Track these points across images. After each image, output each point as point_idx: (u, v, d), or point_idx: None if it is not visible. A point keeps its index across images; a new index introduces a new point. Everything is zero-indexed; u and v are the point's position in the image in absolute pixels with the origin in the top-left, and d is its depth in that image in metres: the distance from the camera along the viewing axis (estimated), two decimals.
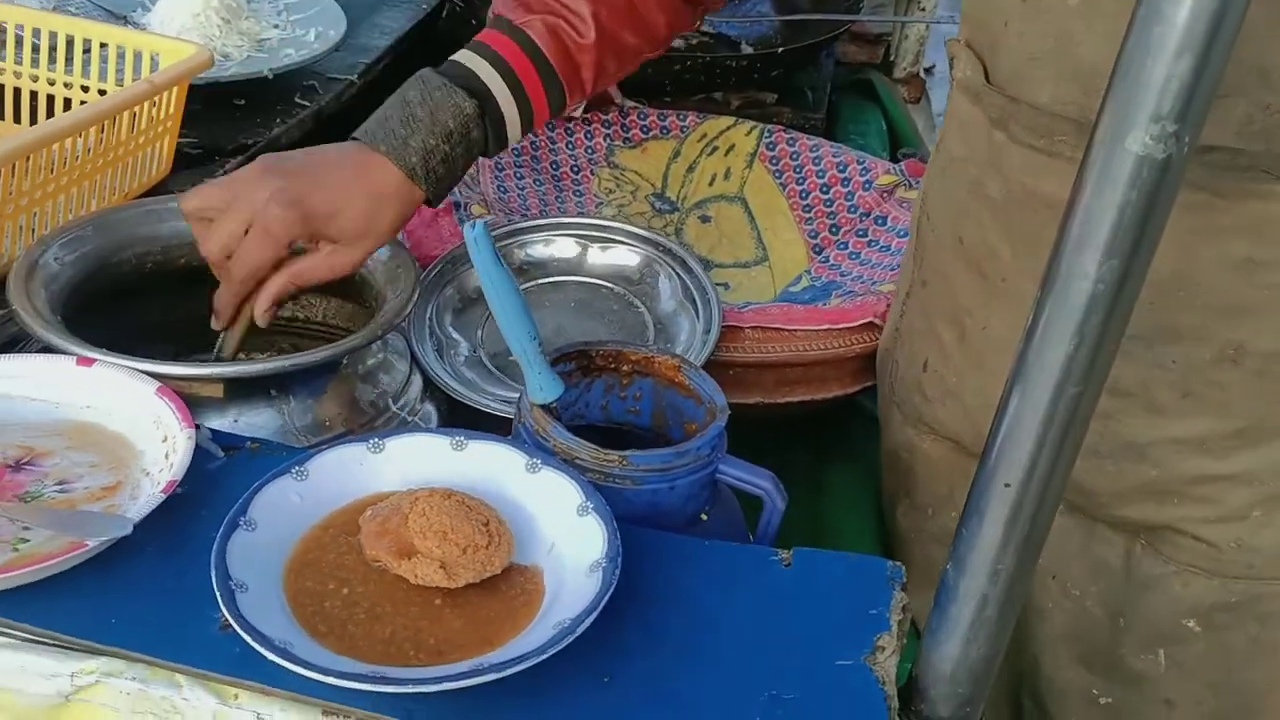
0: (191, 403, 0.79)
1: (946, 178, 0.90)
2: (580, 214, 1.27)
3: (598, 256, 1.09)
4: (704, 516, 0.76)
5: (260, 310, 0.85)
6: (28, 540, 0.65)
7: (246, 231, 0.81)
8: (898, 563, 0.69)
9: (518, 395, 0.92)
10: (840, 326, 1.04)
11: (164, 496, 0.66)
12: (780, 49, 1.48)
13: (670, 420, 0.83)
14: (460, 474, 0.71)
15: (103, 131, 0.92)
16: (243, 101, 1.24)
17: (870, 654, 0.63)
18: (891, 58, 1.93)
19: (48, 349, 0.79)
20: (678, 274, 1.05)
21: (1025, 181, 0.79)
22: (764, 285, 1.26)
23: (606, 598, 0.61)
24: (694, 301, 1.02)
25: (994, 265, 0.84)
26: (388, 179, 0.85)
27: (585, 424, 0.83)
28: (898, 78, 1.94)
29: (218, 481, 0.72)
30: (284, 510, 0.66)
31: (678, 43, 1.65)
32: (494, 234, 1.09)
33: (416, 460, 0.71)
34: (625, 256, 1.08)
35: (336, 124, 1.34)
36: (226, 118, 1.21)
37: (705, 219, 1.35)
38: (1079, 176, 0.50)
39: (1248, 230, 0.73)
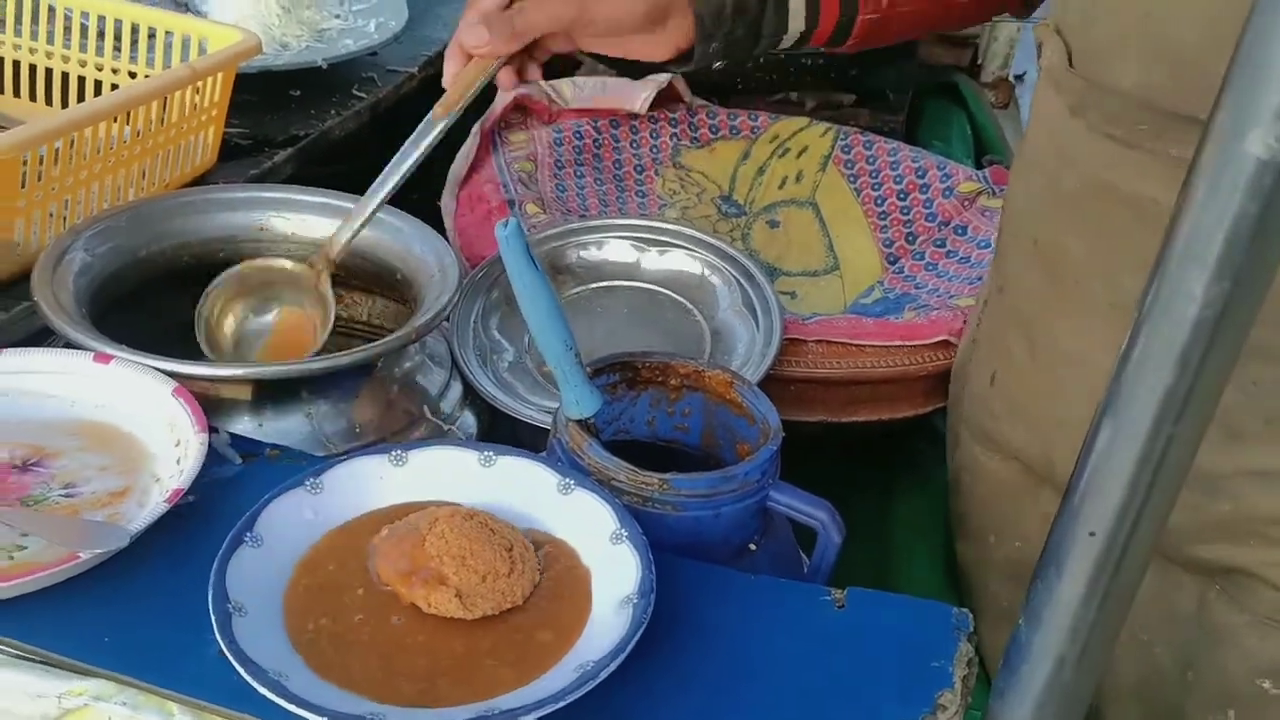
0: (218, 405, 0.75)
1: (1026, 175, 0.84)
2: (642, 217, 1.21)
3: (654, 261, 1.03)
4: (753, 547, 0.70)
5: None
6: (24, 548, 0.61)
7: None
8: (964, 609, 0.62)
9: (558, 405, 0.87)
10: (913, 343, 0.97)
11: (168, 507, 0.61)
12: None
13: (721, 440, 0.77)
14: (487, 492, 0.65)
15: (138, 117, 0.89)
16: (298, 92, 1.21)
17: (930, 714, 0.56)
18: (979, 60, 1.85)
19: (70, 344, 0.75)
20: (738, 281, 0.99)
21: (1101, 174, 0.73)
22: (834, 295, 1.19)
23: (635, 640, 0.55)
24: (754, 311, 0.96)
25: (1064, 266, 0.77)
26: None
27: (630, 440, 0.78)
28: (985, 82, 1.85)
29: (231, 490, 0.67)
30: (295, 526, 0.62)
31: None
32: (546, 234, 1.04)
33: (441, 475, 0.66)
34: (684, 262, 1.02)
35: (394, 117, 1.30)
36: (280, 108, 1.17)
37: (774, 224, 1.28)
38: (1187, 182, 0.43)
39: None
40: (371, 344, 0.78)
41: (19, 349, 0.73)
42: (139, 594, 0.61)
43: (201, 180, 1.02)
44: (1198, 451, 0.71)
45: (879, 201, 1.27)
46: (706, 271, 1.01)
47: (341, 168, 1.20)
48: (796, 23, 0.82)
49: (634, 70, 1.37)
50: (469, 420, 0.87)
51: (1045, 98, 0.79)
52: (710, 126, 1.35)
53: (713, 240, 1.02)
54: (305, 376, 0.77)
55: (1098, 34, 0.72)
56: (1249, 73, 0.40)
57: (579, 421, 0.68)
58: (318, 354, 1.00)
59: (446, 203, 1.15)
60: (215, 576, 0.57)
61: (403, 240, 0.91)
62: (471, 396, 0.88)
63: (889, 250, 1.23)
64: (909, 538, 1.02)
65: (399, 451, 0.66)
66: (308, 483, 0.64)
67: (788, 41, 0.84)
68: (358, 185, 1.00)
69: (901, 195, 1.27)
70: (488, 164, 1.21)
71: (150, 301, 0.87)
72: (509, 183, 1.18)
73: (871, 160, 1.30)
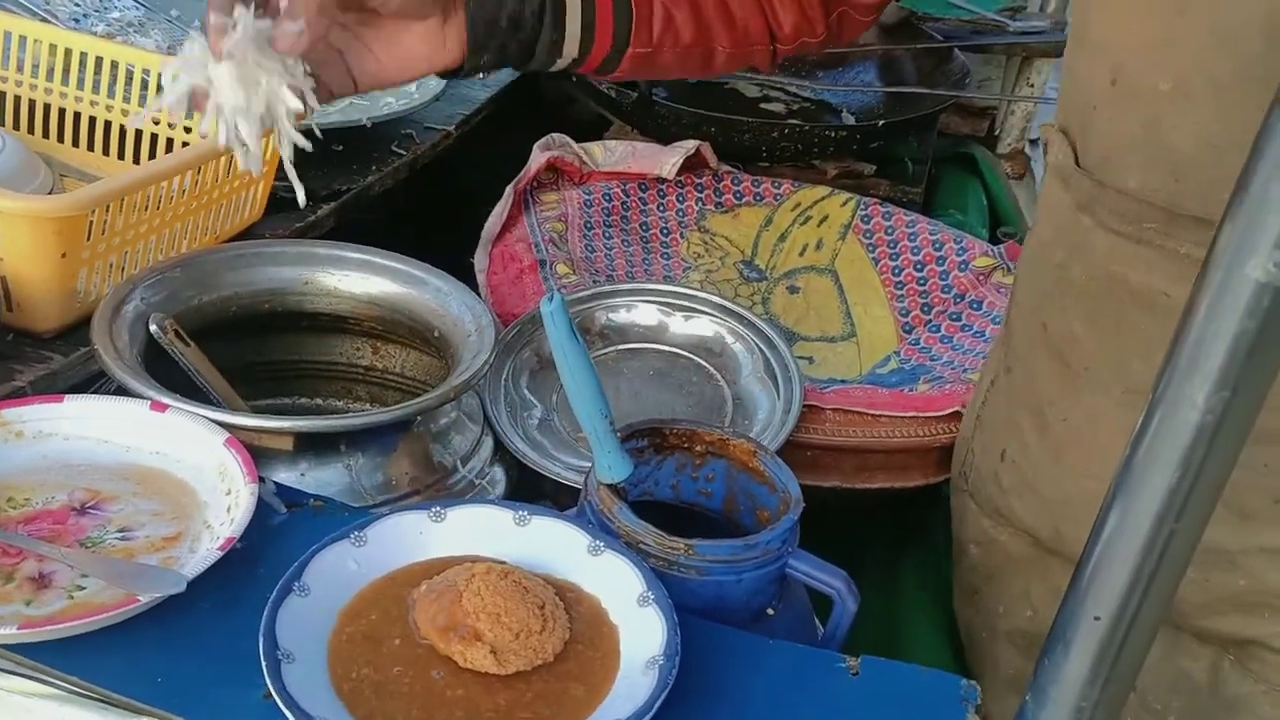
0: (261, 454, 0.79)
1: (1035, 262, 0.87)
2: (666, 278, 1.25)
3: (679, 325, 1.07)
4: (771, 611, 0.73)
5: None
6: (84, 588, 0.65)
7: None
8: (973, 682, 0.65)
9: (589, 466, 0.91)
10: (927, 414, 1.00)
11: (220, 554, 0.65)
12: (882, 121, 1.46)
13: (742, 505, 0.80)
14: (521, 550, 0.69)
15: (200, 174, 0.93)
16: (340, 148, 1.25)
17: None
18: (996, 132, 1.90)
19: (126, 391, 0.79)
20: (760, 349, 1.03)
21: (1111, 268, 0.77)
22: (850, 362, 1.23)
23: (660, 700, 0.59)
24: (775, 378, 1.00)
25: (1076, 353, 0.81)
26: None
27: (654, 501, 0.81)
28: (1001, 153, 1.90)
29: (278, 539, 0.71)
30: (340, 576, 0.65)
31: (777, 108, 1.64)
32: (577, 296, 1.08)
33: (477, 532, 0.69)
34: (707, 327, 1.06)
35: (431, 174, 1.35)
36: (323, 163, 1.22)
37: (794, 289, 1.32)
38: (1192, 298, 0.47)
39: None
40: (411, 402, 0.81)
41: (80, 396, 0.76)
42: (191, 636, 0.64)
43: (249, 232, 1.06)
44: (1208, 530, 0.74)
45: (896, 271, 1.32)
46: (729, 338, 1.05)
47: (380, 220, 1.25)
48: (570, 48, 0.82)
49: (663, 135, 1.43)
50: (499, 475, 0.90)
51: (1053, 192, 0.83)
52: (735, 192, 1.39)
53: (736, 308, 1.06)
54: (346, 431, 0.80)
55: (1100, 140, 0.76)
56: (1249, 206, 0.43)
57: (610, 486, 0.72)
58: (355, 400, 1.06)
59: (479, 260, 1.20)
60: (266, 624, 0.60)
61: (441, 299, 0.95)
62: (501, 452, 0.92)
63: (904, 320, 1.27)
64: (914, 599, 1.05)
65: (439, 508, 0.70)
66: (353, 535, 0.67)
67: (559, 65, 0.85)
68: (396, 238, 1.05)
69: (918, 266, 1.31)
70: (520, 223, 1.26)
71: (202, 349, 0.91)
72: (540, 242, 1.22)
73: (890, 231, 1.35)
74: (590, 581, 0.67)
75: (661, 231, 1.34)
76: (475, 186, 1.44)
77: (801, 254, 1.35)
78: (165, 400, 0.76)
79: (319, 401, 1.07)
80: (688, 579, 0.69)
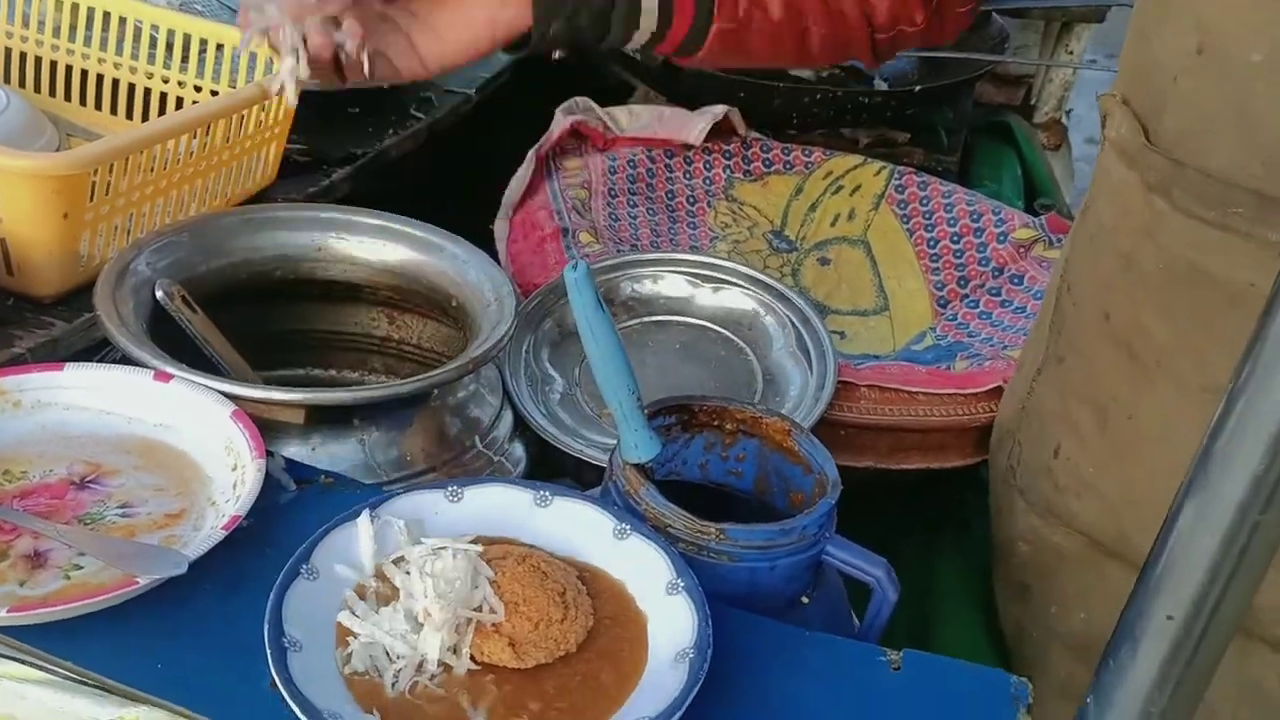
0: (270, 427, 0.75)
1: (1093, 246, 0.82)
2: (693, 249, 1.21)
3: (708, 297, 1.03)
4: (805, 600, 0.69)
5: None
6: (81, 568, 0.61)
7: None
8: (1024, 679, 0.61)
9: (614, 444, 0.87)
10: (967, 392, 0.96)
11: (225, 534, 0.61)
12: (917, 88, 1.40)
13: (774, 486, 0.76)
14: (542, 532, 0.65)
15: (208, 134, 0.89)
16: (356, 109, 1.21)
17: None
18: (1032, 101, 1.84)
19: (128, 359, 0.75)
20: (792, 322, 0.98)
21: (1189, 256, 0.71)
22: (883, 336, 1.18)
23: (692, 696, 0.55)
24: (808, 354, 0.95)
25: (1146, 346, 0.75)
26: None
27: (681, 481, 0.77)
28: (1038, 122, 1.84)
29: (286, 517, 0.67)
30: (350, 558, 0.61)
31: (806, 73, 1.59)
32: (600, 265, 1.04)
33: (496, 513, 0.65)
34: (737, 299, 1.02)
35: (450, 139, 1.30)
36: (338, 126, 1.18)
37: (824, 261, 1.27)
38: None
39: None
40: (428, 374, 0.77)
41: (81, 364, 0.73)
42: (192, 620, 0.60)
43: (262, 196, 1.02)
44: None
45: (931, 243, 1.27)
46: (760, 311, 1.00)
47: (396, 186, 1.21)
48: (648, 21, 0.77)
49: (689, 101, 1.38)
50: (518, 451, 0.86)
51: (1114, 170, 0.77)
52: (764, 160, 1.35)
53: (767, 279, 1.02)
54: (359, 404, 0.76)
55: (1179, 114, 0.70)
56: None
57: (636, 466, 0.68)
58: (369, 371, 1.02)
59: (499, 227, 1.16)
60: (272, 609, 0.56)
61: (459, 267, 0.91)
62: (521, 427, 0.88)
63: (940, 293, 1.22)
64: (951, 588, 1.01)
65: (455, 487, 0.66)
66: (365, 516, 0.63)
67: (637, 40, 0.79)
68: (413, 205, 1.01)
69: (955, 238, 1.26)
70: (542, 190, 1.21)
71: (209, 316, 0.87)
72: (563, 210, 1.18)
73: (925, 201, 1.30)
74: (616, 566, 0.63)
75: (688, 200, 1.30)
76: (495, 153, 1.40)
77: (833, 224, 1.31)
78: (170, 370, 0.72)
79: (332, 373, 1.03)
80: (718, 565, 0.65)
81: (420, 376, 0.77)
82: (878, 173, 1.33)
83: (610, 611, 0.61)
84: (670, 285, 1.03)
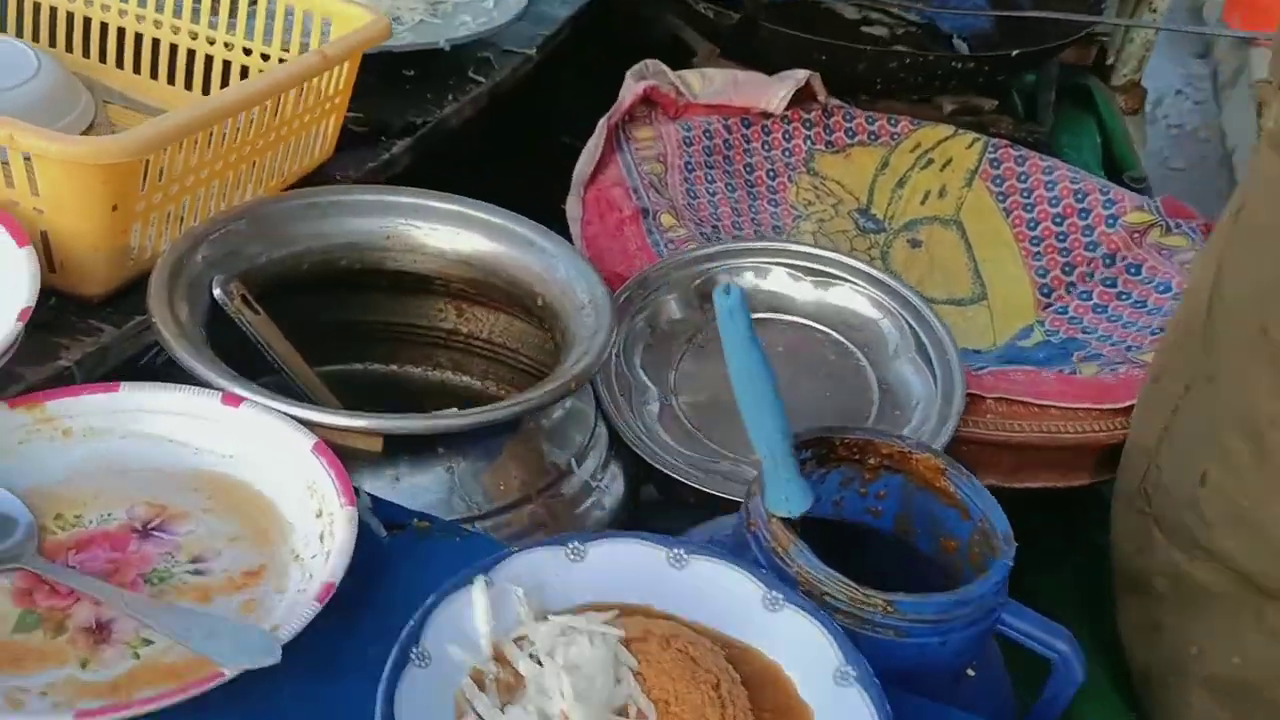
0: (346, 454, 0.66)
1: (1250, 251, 0.73)
2: (775, 229, 1.11)
3: (809, 292, 0.93)
4: (970, 672, 0.60)
5: None
6: (151, 643, 0.52)
7: None
8: None
9: (729, 465, 0.78)
10: (1103, 406, 0.86)
11: (319, 607, 0.52)
12: (1015, 52, 1.29)
13: (918, 529, 0.67)
14: (678, 596, 0.56)
15: (278, 104, 0.79)
16: (412, 72, 1.11)
17: None
18: (1109, 61, 1.72)
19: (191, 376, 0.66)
20: (908, 323, 0.89)
21: None
22: (982, 329, 1.09)
23: None
24: (929, 360, 0.86)
25: None
26: None
27: (812, 517, 0.68)
28: (1115, 84, 1.73)
29: (379, 570, 0.59)
30: (465, 637, 0.52)
31: (879, 31, 1.47)
32: (688, 256, 0.94)
33: (624, 574, 0.57)
34: (844, 295, 0.92)
35: (512, 103, 1.20)
36: (395, 91, 1.07)
37: (915, 243, 1.18)
38: None
39: None
40: (523, 397, 0.68)
41: (138, 385, 0.64)
42: (278, 700, 0.52)
43: (319, 172, 0.92)
44: None
45: (1031, 225, 1.17)
46: (871, 309, 0.91)
47: (458, 156, 1.11)
48: None
49: (763, 64, 1.27)
50: (616, 475, 0.77)
51: (1272, 164, 0.69)
52: (847, 130, 1.24)
53: (880, 275, 0.92)
54: (448, 433, 0.67)
55: None
56: None
57: (785, 519, 0.59)
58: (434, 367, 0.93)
59: (572, 207, 1.06)
60: (383, 708, 0.48)
61: (545, 261, 0.82)
62: (617, 445, 0.79)
63: (1042, 280, 1.12)
64: (1065, 614, 0.92)
65: (576, 544, 0.57)
66: (476, 582, 0.54)
67: None
68: (477, 178, 0.92)
69: (1057, 220, 1.16)
70: (614, 163, 1.11)
71: (272, 314, 0.78)
72: (640, 187, 1.08)
73: (1023, 178, 1.20)
74: (769, 644, 0.54)
75: (768, 175, 1.20)
76: (555, 114, 1.30)
77: (923, 202, 1.21)
78: (241, 392, 0.63)
79: (393, 368, 0.94)
80: (880, 638, 0.57)
81: (518, 400, 0.68)
82: (970, 145, 1.22)
83: (769, 703, 0.52)
84: (768, 278, 0.93)
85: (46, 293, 0.71)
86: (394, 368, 0.94)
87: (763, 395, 0.55)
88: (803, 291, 0.92)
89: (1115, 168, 1.46)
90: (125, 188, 0.69)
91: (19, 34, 0.95)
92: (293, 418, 0.62)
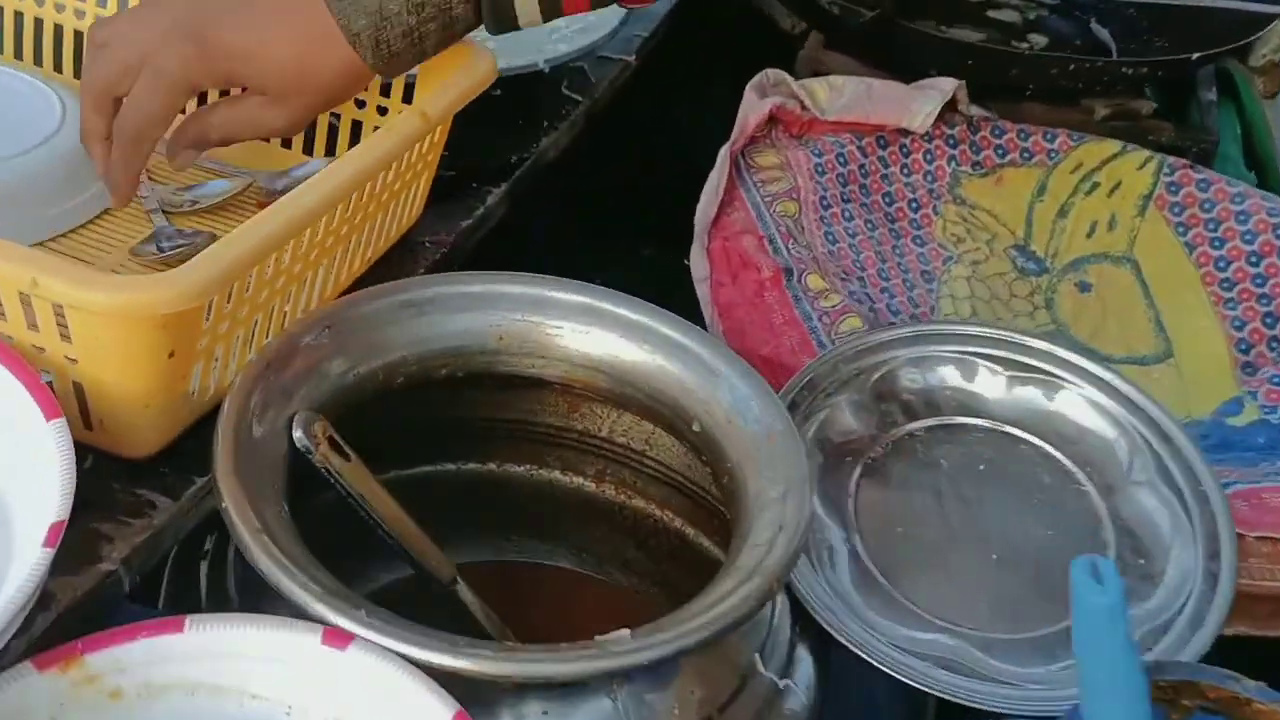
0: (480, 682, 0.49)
1: None
2: (923, 274, 0.94)
3: (1003, 389, 0.75)
4: None
5: (172, 157, 0.68)
6: None
7: None
8: None
9: (933, 635, 0.62)
10: None
11: None
12: (1195, 55, 1.10)
13: None
14: None
15: (378, 182, 0.62)
16: (499, 92, 0.92)
17: None
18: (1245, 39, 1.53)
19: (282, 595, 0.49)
20: (1142, 436, 0.72)
21: None
22: (1171, 394, 0.91)
23: None
24: (1177, 489, 0.69)
25: None
26: (317, 27, 0.64)
27: None
28: (1254, 65, 1.54)
29: None
30: None
31: (1009, 16, 1.28)
32: (860, 345, 0.77)
33: None
34: (1053, 396, 0.75)
35: (614, 118, 1.02)
36: (480, 119, 0.89)
37: (1084, 286, 1.00)
38: None
39: None
40: (710, 618, 0.51)
41: (209, 617, 0.47)
42: None
43: (404, 242, 0.75)
44: None
45: (1220, 264, 0.99)
46: (1091, 414, 0.73)
47: (556, 195, 0.94)
48: (528, 11, 0.68)
49: (898, 68, 1.09)
50: (804, 662, 0.61)
51: None
52: (996, 148, 1.06)
53: (1098, 369, 0.74)
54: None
55: None
56: None
57: None
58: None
59: (697, 264, 0.88)
60: None
61: (708, 381, 0.65)
62: (800, 617, 0.62)
63: (1239, 334, 0.95)
64: None
65: None
66: None
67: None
68: (579, 217, 0.75)
69: (1253, 259, 0.98)
70: (739, 202, 0.94)
71: (360, 448, 0.61)
72: (775, 235, 0.90)
73: (1208, 206, 1.02)
74: None
75: (910, 206, 1.02)
76: (663, 138, 1.12)
77: (1090, 235, 1.03)
78: (351, 627, 0.46)
79: (491, 467, 0.79)
80: None
81: (700, 626, 0.50)
82: (1142, 166, 1.04)
83: None
84: (953, 371, 0.76)
85: (80, 448, 0.54)
86: (492, 466, 0.78)
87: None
88: (992, 386, 0.75)
89: (1258, 164, 1.28)
90: (186, 330, 0.51)
91: (18, 55, 0.79)
92: (428, 664, 0.46)
